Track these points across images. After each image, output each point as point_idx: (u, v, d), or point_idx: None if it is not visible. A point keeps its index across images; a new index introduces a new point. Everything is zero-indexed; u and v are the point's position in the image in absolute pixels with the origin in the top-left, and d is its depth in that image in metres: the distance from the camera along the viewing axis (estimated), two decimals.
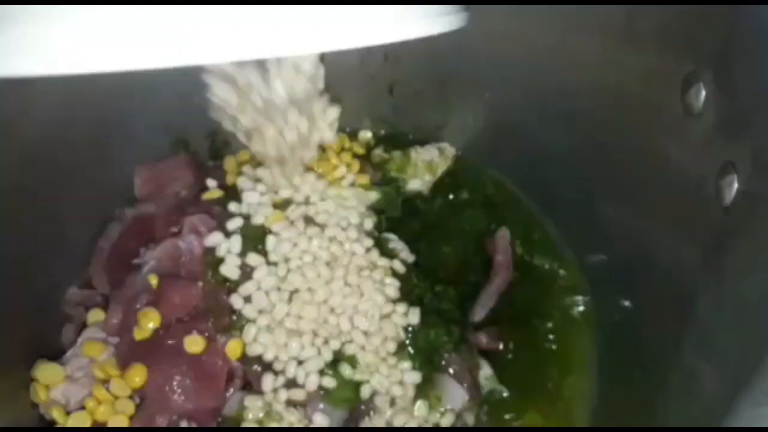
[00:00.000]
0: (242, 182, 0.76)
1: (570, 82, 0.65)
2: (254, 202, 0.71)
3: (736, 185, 0.46)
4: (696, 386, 0.44)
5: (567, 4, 0.58)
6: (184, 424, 0.62)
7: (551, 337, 0.73)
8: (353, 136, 0.88)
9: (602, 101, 0.62)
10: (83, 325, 0.68)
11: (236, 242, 0.67)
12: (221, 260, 0.66)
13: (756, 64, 0.44)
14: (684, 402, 0.46)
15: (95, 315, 0.68)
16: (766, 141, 0.44)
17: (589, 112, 0.64)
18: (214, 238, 0.66)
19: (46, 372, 0.62)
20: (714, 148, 0.49)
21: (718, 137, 0.48)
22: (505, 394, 0.69)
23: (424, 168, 0.85)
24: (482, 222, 0.79)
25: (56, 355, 0.65)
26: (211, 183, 0.75)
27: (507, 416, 0.68)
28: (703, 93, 0.49)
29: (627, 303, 0.66)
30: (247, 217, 0.68)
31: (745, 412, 0.31)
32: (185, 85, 0.77)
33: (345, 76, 0.82)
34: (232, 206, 0.70)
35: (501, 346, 0.72)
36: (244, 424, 0.61)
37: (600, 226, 0.69)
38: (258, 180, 0.73)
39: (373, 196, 0.79)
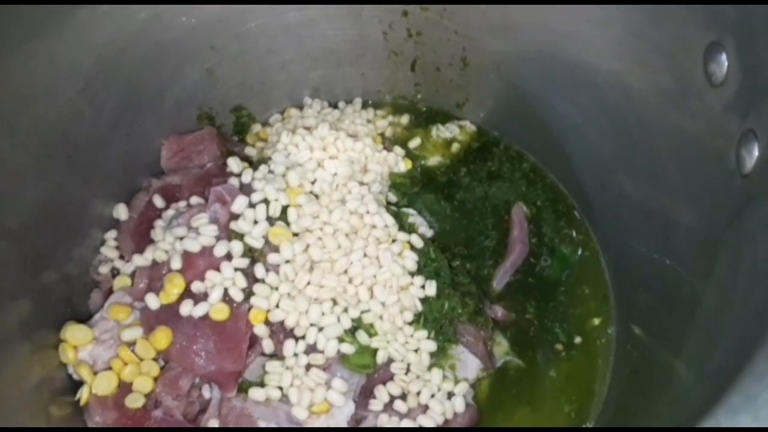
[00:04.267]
0: (265, 155, 0.78)
1: (590, 56, 0.65)
2: (279, 174, 0.72)
3: (756, 153, 0.46)
4: (711, 348, 0.44)
5: None
6: (206, 388, 0.64)
7: (569, 309, 0.73)
8: (375, 112, 0.88)
9: (622, 74, 0.62)
10: (110, 291, 0.70)
11: (261, 213, 0.68)
12: (246, 230, 0.67)
13: None
14: (698, 365, 0.46)
15: (122, 280, 0.69)
16: None
17: (609, 86, 0.64)
18: (239, 204, 0.67)
19: (75, 333, 0.64)
20: (735, 118, 0.48)
21: (740, 106, 0.48)
22: (520, 365, 0.70)
23: (444, 145, 0.86)
24: (501, 197, 0.80)
25: (83, 319, 0.67)
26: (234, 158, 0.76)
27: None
28: (726, 63, 0.49)
29: (646, 274, 0.66)
30: (271, 190, 0.69)
31: (762, 362, 0.32)
32: (211, 61, 0.79)
33: (369, 51, 0.84)
34: (257, 179, 0.71)
35: (515, 318, 0.72)
36: (266, 389, 0.63)
37: (619, 198, 0.69)
38: (282, 153, 0.75)
39: (394, 171, 0.80)
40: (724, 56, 0.49)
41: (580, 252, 0.76)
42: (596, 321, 0.73)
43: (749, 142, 0.46)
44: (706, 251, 0.52)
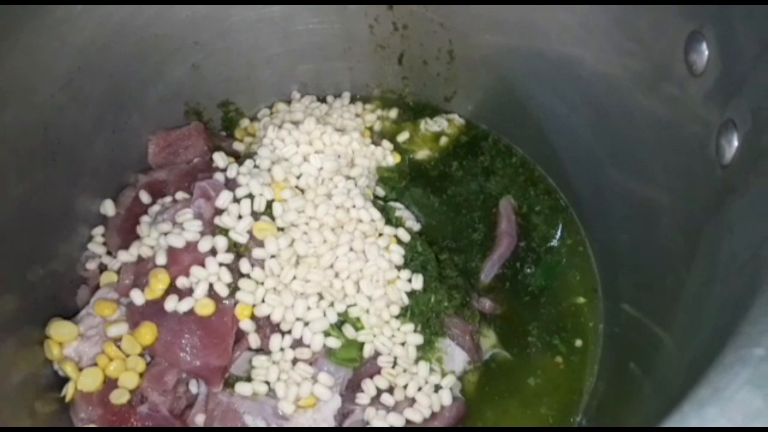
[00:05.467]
0: (253, 150, 0.78)
1: (574, 48, 0.65)
2: (264, 169, 0.72)
3: (736, 143, 0.46)
4: (690, 340, 0.44)
5: None
6: (193, 383, 0.64)
7: (557, 301, 0.73)
8: (363, 106, 0.88)
9: (606, 66, 0.62)
10: (97, 287, 0.70)
11: (245, 208, 0.68)
12: (230, 225, 0.67)
13: (758, 19, 0.44)
14: (679, 358, 0.46)
15: (108, 276, 0.69)
16: (766, 97, 0.43)
17: (593, 77, 0.64)
18: (224, 199, 0.67)
19: (59, 330, 0.64)
20: (715, 107, 0.48)
21: (720, 95, 0.48)
22: (508, 358, 0.70)
23: (432, 138, 0.85)
24: (489, 190, 0.80)
25: (71, 315, 0.67)
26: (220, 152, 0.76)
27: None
28: (706, 52, 0.49)
29: (630, 267, 0.66)
30: (256, 185, 0.69)
31: (731, 354, 0.32)
32: (196, 57, 0.79)
33: (355, 45, 0.83)
34: (242, 174, 0.71)
35: (503, 311, 0.72)
36: (253, 383, 0.63)
37: (605, 189, 0.69)
38: (268, 147, 0.75)
39: (382, 165, 0.80)
40: (704, 45, 0.49)
41: (568, 243, 0.76)
42: (587, 312, 0.72)
43: (729, 133, 0.46)
44: (689, 240, 0.52)
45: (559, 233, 0.77)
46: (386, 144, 0.83)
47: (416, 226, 0.76)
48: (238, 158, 0.77)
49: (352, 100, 0.89)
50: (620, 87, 0.61)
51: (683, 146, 0.53)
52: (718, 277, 0.43)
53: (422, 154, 0.85)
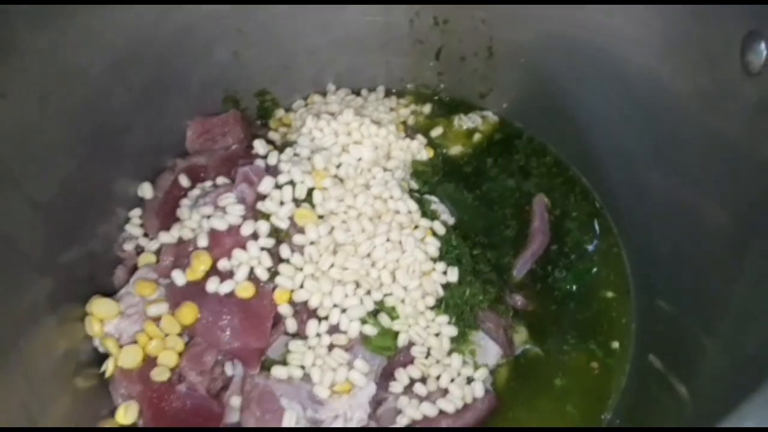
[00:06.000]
0: (289, 139, 0.79)
1: (620, 47, 0.65)
2: (304, 157, 0.72)
3: None
4: (736, 347, 0.44)
5: None
6: (229, 365, 0.65)
7: (588, 303, 0.73)
8: (397, 100, 0.88)
9: (653, 66, 0.62)
10: (134, 268, 0.70)
11: (287, 194, 0.68)
12: (272, 210, 0.67)
13: None
14: (724, 363, 0.46)
15: (146, 258, 0.70)
16: None
17: (639, 78, 0.64)
18: (266, 185, 0.68)
19: (101, 306, 0.64)
20: None
21: None
22: (539, 354, 0.70)
23: (465, 135, 0.86)
24: (521, 187, 0.80)
25: (108, 295, 0.67)
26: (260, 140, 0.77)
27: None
28: (765, 52, 0.49)
29: (668, 269, 0.66)
30: (297, 172, 0.70)
31: None
32: (238, 44, 0.80)
33: (394, 39, 0.84)
34: (283, 161, 0.72)
35: (534, 308, 0.73)
36: (288, 367, 0.63)
37: (644, 192, 0.69)
38: (307, 137, 0.75)
39: (416, 159, 0.81)
40: (762, 45, 0.49)
41: (601, 247, 0.76)
42: (618, 309, 0.73)
43: None
44: (736, 250, 0.52)
45: (593, 239, 0.77)
46: (420, 138, 0.83)
47: (451, 220, 0.77)
48: (274, 147, 0.78)
49: (387, 94, 0.89)
50: (668, 88, 0.61)
51: (732, 151, 0.53)
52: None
53: (455, 149, 0.85)
